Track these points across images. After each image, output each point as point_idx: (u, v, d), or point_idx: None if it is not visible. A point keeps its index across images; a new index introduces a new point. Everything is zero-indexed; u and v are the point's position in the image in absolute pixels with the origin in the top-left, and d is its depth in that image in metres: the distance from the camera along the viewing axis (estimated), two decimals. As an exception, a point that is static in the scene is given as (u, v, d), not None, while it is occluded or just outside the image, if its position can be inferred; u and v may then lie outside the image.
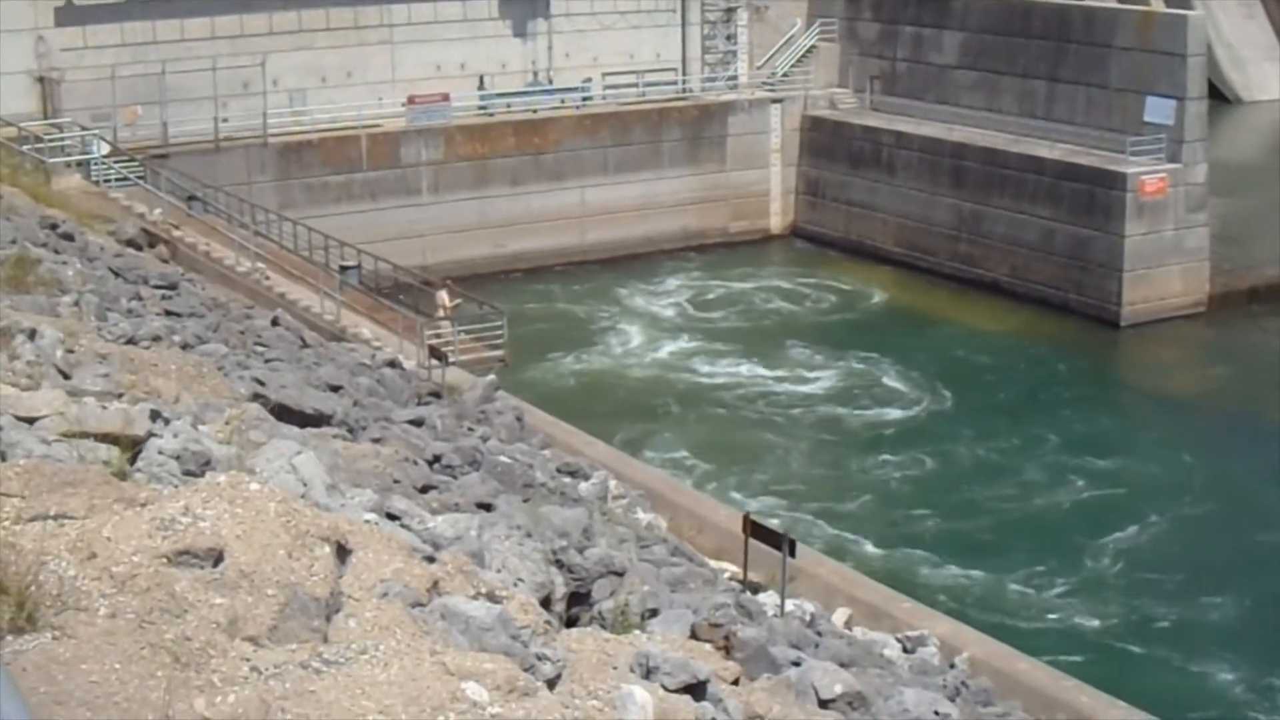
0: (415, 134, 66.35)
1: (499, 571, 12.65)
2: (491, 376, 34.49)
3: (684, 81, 74.02)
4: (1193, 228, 62.09)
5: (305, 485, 11.96)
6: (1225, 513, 44.84)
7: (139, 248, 43.33)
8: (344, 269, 49.06)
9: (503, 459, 22.47)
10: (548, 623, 10.46)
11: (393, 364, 33.65)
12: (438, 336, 42.28)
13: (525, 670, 7.87)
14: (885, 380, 55.53)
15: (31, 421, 11.58)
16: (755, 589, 22.40)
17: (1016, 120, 67.79)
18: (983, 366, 57.02)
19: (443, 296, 46.15)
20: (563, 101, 70.83)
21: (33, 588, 7.10)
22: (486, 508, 17.34)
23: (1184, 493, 46.20)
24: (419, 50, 68.05)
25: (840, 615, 23.50)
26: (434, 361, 36.63)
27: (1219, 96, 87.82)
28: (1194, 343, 61.26)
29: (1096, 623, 38.15)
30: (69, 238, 33.40)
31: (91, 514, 8.45)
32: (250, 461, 12.23)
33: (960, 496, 45.83)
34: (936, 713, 14.74)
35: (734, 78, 75.22)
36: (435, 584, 9.40)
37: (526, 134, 68.79)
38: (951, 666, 21.21)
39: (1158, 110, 62.08)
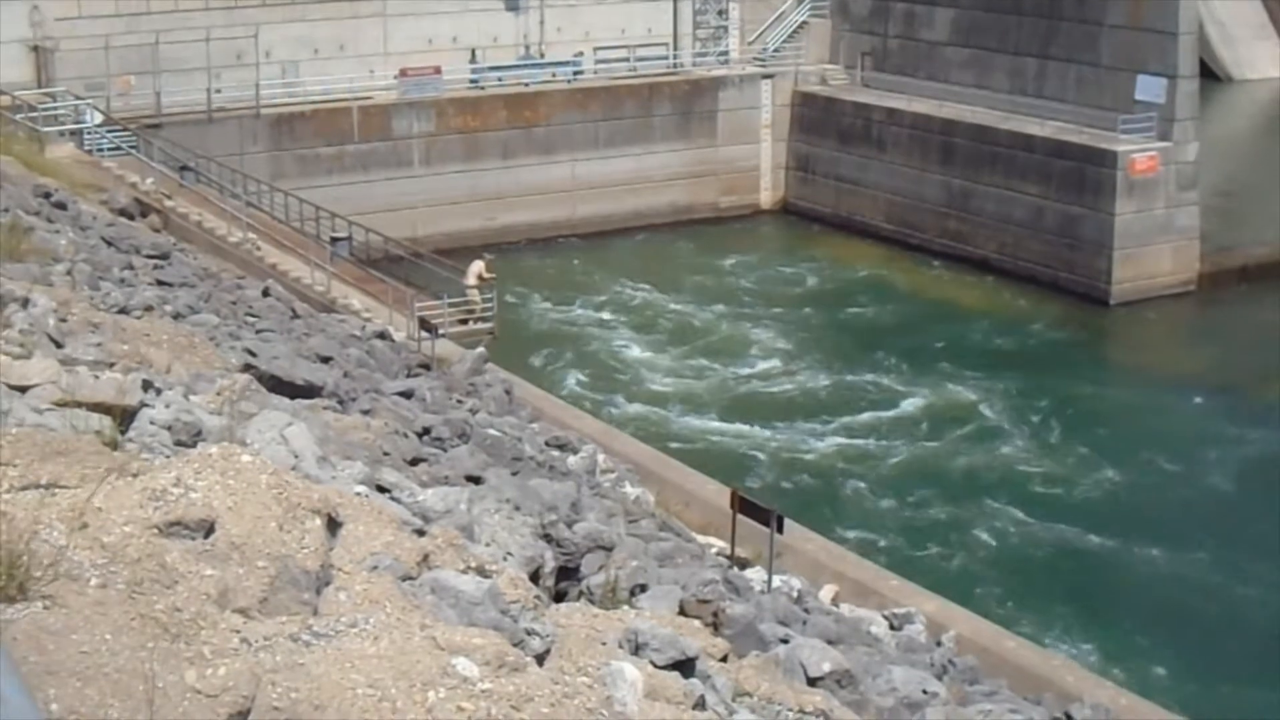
0: (407, 106, 66.33)
1: (488, 545, 12.64)
2: (481, 349, 34.46)
3: (675, 56, 73.92)
4: (1183, 206, 62.07)
5: (296, 457, 11.97)
6: (1214, 490, 44.94)
7: (131, 217, 43.32)
8: (335, 240, 49.13)
9: (492, 432, 22.40)
10: (537, 598, 10.45)
11: (383, 336, 33.67)
12: (466, 305, 43.24)
13: (515, 645, 7.88)
14: (870, 355, 55.45)
15: (24, 390, 11.57)
16: (742, 564, 22.34)
17: (1007, 97, 67.74)
18: (971, 344, 57.00)
19: (480, 265, 46.53)
20: (554, 75, 70.82)
21: (24, 557, 7.10)
22: (476, 480, 17.29)
23: (1172, 470, 46.23)
24: (411, 23, 67.99)
25: (827, 592, 23.41)
26: (424, 334, 36.61)
27: (1210, 75, 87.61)
28: (1183, 321, 61.29)
29: (1081, 598, 38.20)
30: (62, 206, 33.40)
31: (83, 484, 8.45)
32: (241, 432, 12.22)
33: (944, 473, 45.84)
34: (925, 691, 14.74)
35: (725, 53, 75.12)
36: (425, 557, 9.42)
37: (517, 107, 68.73)
38: (938, 644, 21.16)
39: (1149, 88, 62.04)
